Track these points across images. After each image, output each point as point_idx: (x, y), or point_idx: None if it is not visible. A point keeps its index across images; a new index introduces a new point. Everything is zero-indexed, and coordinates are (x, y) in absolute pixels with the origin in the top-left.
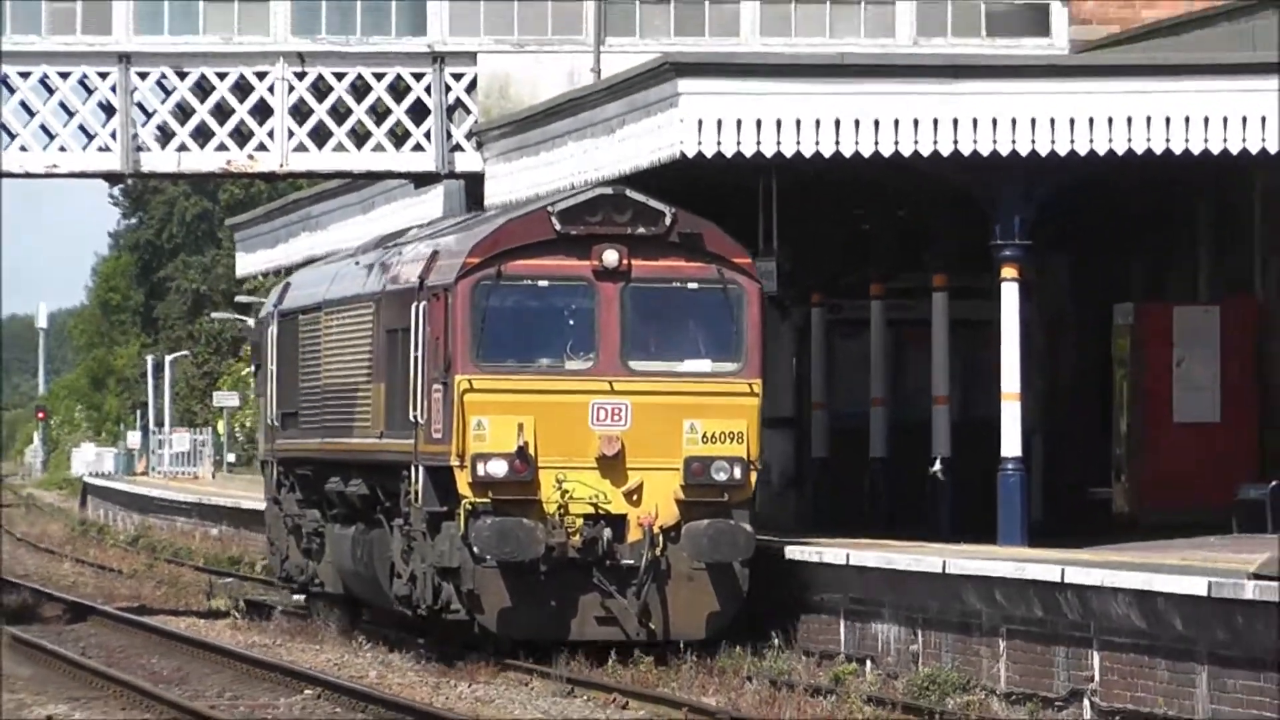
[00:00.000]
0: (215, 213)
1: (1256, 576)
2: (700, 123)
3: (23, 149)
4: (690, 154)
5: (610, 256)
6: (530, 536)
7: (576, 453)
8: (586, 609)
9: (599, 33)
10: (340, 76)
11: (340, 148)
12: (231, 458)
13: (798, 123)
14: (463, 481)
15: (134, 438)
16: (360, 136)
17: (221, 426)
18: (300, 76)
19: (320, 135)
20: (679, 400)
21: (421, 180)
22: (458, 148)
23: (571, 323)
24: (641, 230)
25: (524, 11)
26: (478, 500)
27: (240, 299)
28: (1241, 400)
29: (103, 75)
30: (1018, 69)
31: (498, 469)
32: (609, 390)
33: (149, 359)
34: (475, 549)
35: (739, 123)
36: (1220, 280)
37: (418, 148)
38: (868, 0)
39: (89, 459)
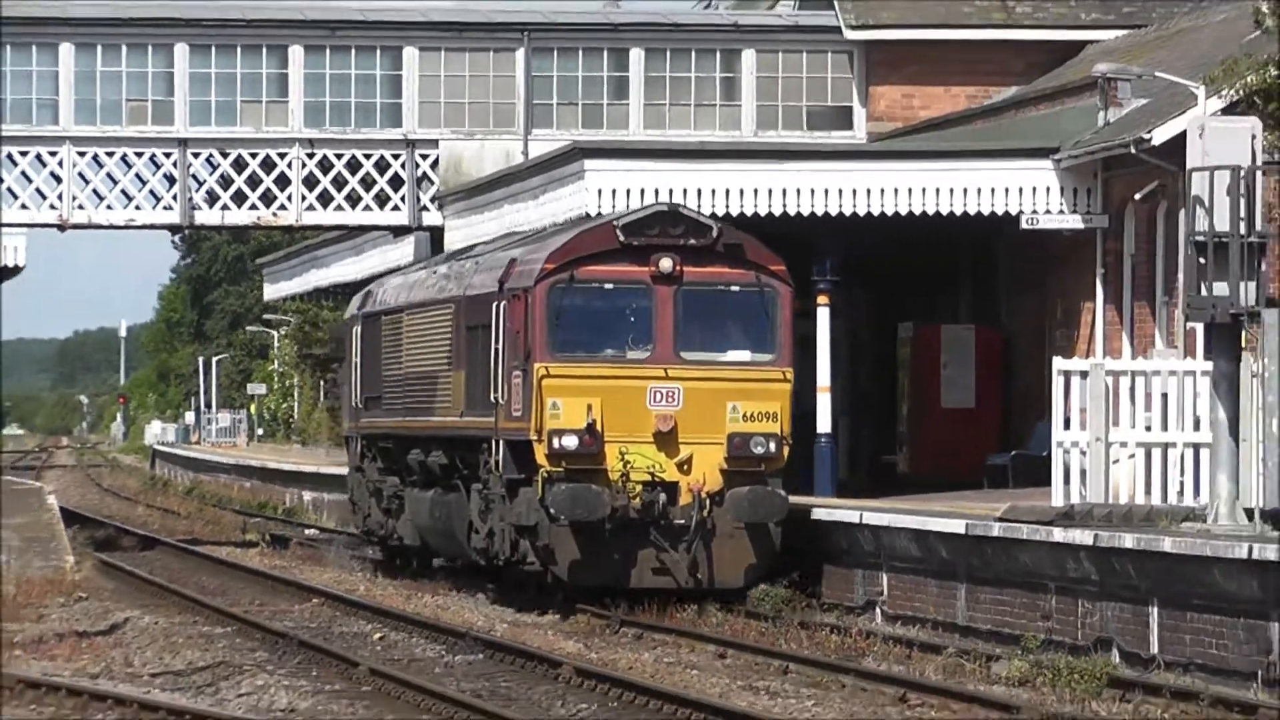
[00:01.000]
0: (247, 254)
1: (1000, 519)
2: (600, 190)
3: (109, 208)
4: (592, 213)
5: (666, 263)
6: (598, 500)
7: (636, 429)
8: (644, 562)
9: (527, 125)
10: (339, 156)
11: (339, 207)
12: (260, 431)
13: (670, 191)
14: (540, 453)
15: (189, 417)
16: (354, 200)
17: (253, 408)
18: (310, 156)
19: (324, 198)
20: (723, 385)
21: (398, 232)
22: (424, 208)
23: (632, 319)
24: (692, 241)
25: (472, 109)
26: (553, 469)
27: (267, 317)
28: (988, 394)
29: (167, 155)
30: (829, 153)
31: (570, 443)
32: (664, 377)
33: (200, 360)
34: (551, 510)
35: (628, 191)
36: (975, 308)
37: (395, 208)
38: (721, 103)
39: (156, 432)
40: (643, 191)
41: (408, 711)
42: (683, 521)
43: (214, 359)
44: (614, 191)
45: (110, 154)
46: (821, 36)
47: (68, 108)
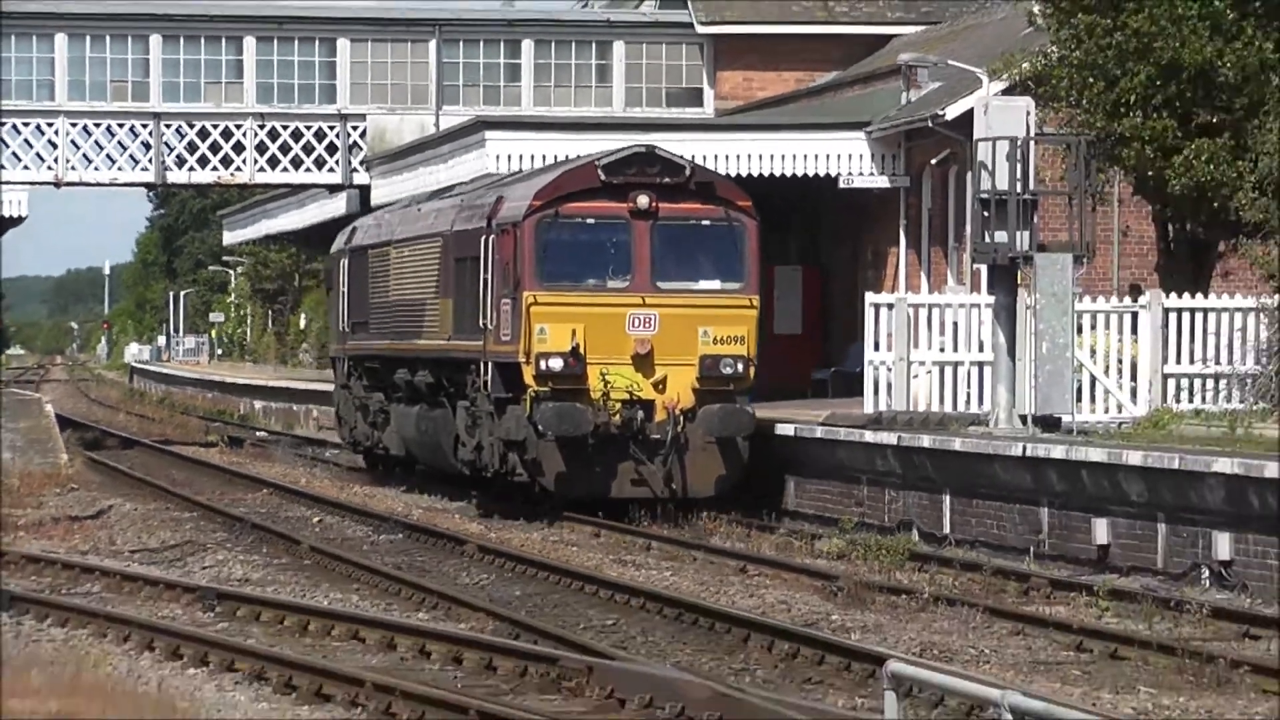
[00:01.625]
0: (209, 207)
1: (822, 424)
2: (498, 156)
3: (96, 169)
4: (492, 173)
5: (643, 200)
6: (582, 417)
7: (616, 352)
8: (624, 474)
9: (438, 103)
10: (285, 127)
11: (285, 169)
12: (219, 352)
13: (555, 157)
14: (528, 374)
15: (161, 340)
16: (297, 163)
17: (213, 333)
18: (261, 127)
19: (273, 162)
20: (695, 312)
21: (333, 189)
22: (354, 170)
23: (612, 252)
24: (667, 179)
25: (394, 89)
26: (540, 389)
27: (225, 259)
28: (813, 322)
29: (144, 126)
30: (683, 126)
31: (556, 364)
32: (641, 304)
33: (170, 293)
34: (539, 426)
35: (520, 156)
36: (802, 252)
37: (330, 170)
38: (596, 85)
39: (134, 352)
40: (532, 157)
41: (341, 581)
42: (659, 436)
43: (181, 293)
44: (509, 157)
45: (97, 125)
46: (678, 31)
47: (62, 87)
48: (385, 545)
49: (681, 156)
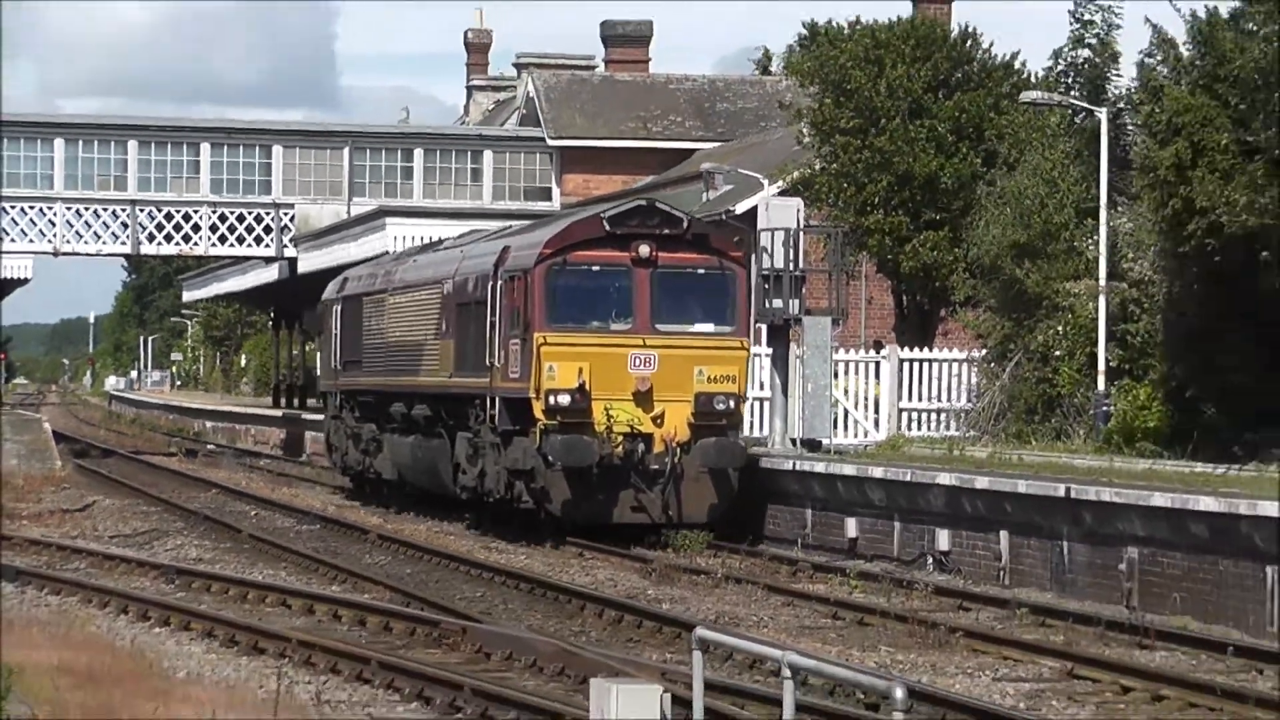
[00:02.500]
0: (172, 271)
1: None
2: (395, 237)
3: (85, 242)
4: (391, 251)
5: (644, 249)
6: (589, 448)
7: (618, 389)
8: (624, 501)
9: (350, 195)
10: (232, 212)
11: (231, 245)
12: (179, 383)
13: (436, 237)
14: (537, 409)
15: (134, 373)
16: (240, 240)
17: (174, 369)
18: (214, 211)
19: (222, 239)
20: (691, 352)
21: (268, 260)
22: (285, 246)
23: (615, 296)
24: (666, 230)
25: (316, 184)
26: (549, 422)
27: (184, 312)
28: None
29: (123, 209)
30: (535, 215)
31: (564, 400)
32: (642, 345)
33: (141, 338)
34: (549, 457)
35: (412, 237)
36: None
37: (267, 245)
38: (470, 184)
39: (113, 383)
40: (421, 237)
41: (273, 561)
42: (657, 467)
43: (149, 337)
44: (404, 237)
45: (86, 208)
46: (533, 143)
47: (59, 179)
48: (307, 533)
49: (680, 209)
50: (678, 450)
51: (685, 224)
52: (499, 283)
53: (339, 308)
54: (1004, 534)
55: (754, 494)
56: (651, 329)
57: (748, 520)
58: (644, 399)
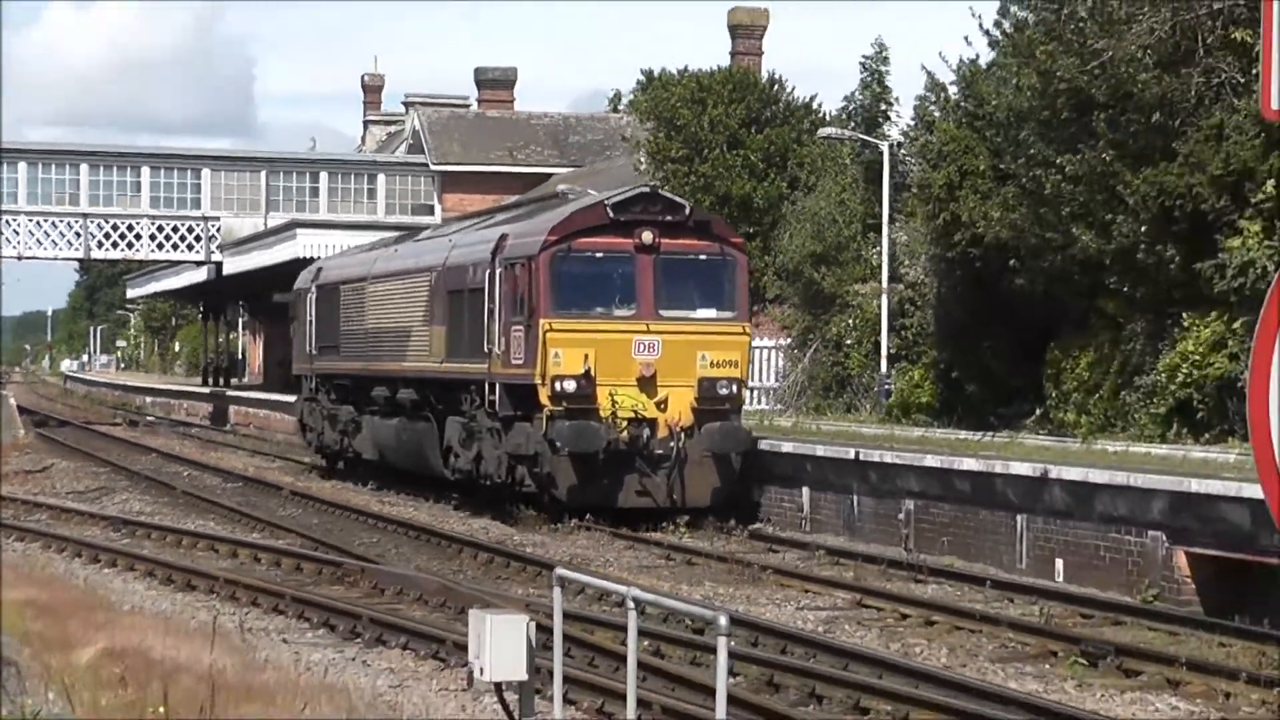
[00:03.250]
0: (118, 273)
1: None
2: (305, 244)
3: (45, 248)
4: (301, 258)
5: (647, 236)
6: (596, 434)
7: (623, 375)
8: (629, 485)
9: (266, 210)
10: (169, 223)
11: (167, 251)
12: (123, 365)
13: (340, 246)
14: (543, 394)
15: (85, 357)
16: (175, 246)
17: (119, 354)
18: (153, 223)
19: (160, 246)
20: (694, 338)
21: (199, 264)
22: (213, 252)
23: (619, 283)
24: (668, 217)
25: (239, 201)
26: (554, 408)
27: (128, 306)
28: None
29: (76, 220)
30: (420, 228)
31: (570, 386)
32: (646, 330)
33: (90, 328)
34: (556, 443)
35: (322, 245)
36: None
37: (197, 252)
38: (367, 201)
39: (67, 365)
40: (329, 246)
41: (203, 513)
42: (662, 452)
43: (98, 327)
44: (314, 245)
45: (46, 219)
46: (418, 168)
47: (23, 196)
48: (231, 490)
49: (681, 197)
50: (682, 435)
51: (687, 211)
52: (498, 270)
53: (313, 295)
54: (805, 489)
55: None
56: (655, 315)
57: None
58: (648, 384)
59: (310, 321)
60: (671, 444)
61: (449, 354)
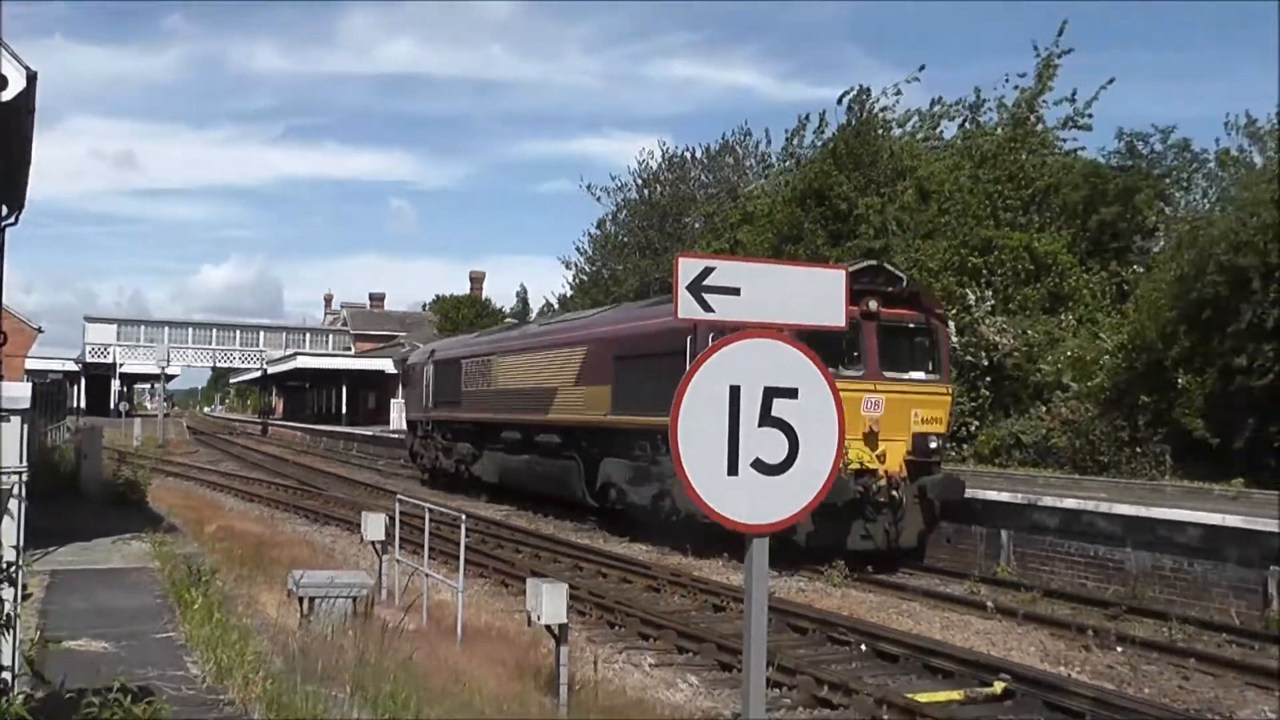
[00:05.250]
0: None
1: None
2: (300, 361)
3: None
4: (300, 368)
5: (873, 304)
6: (845, 486)
7: (852, 430)
8: (855, 530)
9: (286, 346)
10: (250, 353)
11: (248, 363)
12: (230, 409)
13: (315, 364)
14: None
15: (213, 406)
16: (252, 361)
17: (226, 405)
18: (241, 353)
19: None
20: (909, 397)
21: (258, 370)
22: (264, 366)
23: (846, 346)
24: (890, 289)
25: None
26: None
27: (230, 386)
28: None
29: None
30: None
31: None
32: (873, 389)
33: (215, 394)
34: None
35: (305, 362)
36: None
37: (258, 364)
38: (327, 344)
39: (207, 410)
40: (310, 364)
41: (254, 468)
42: (884, 499)
43: (219, 394)
44: (304, 362)
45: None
46: (344, 332)
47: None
48: (269, 461)
49: (899, 269)
50: (900, 484)
51: (904, 282)
52: (710, 335)
53: (430, 368)
54: (1003, 531)
55: None
56: (880, 375)
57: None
58: (871, 439)
59: (427, 384)
60: (894, 493)
61: (616, 408)
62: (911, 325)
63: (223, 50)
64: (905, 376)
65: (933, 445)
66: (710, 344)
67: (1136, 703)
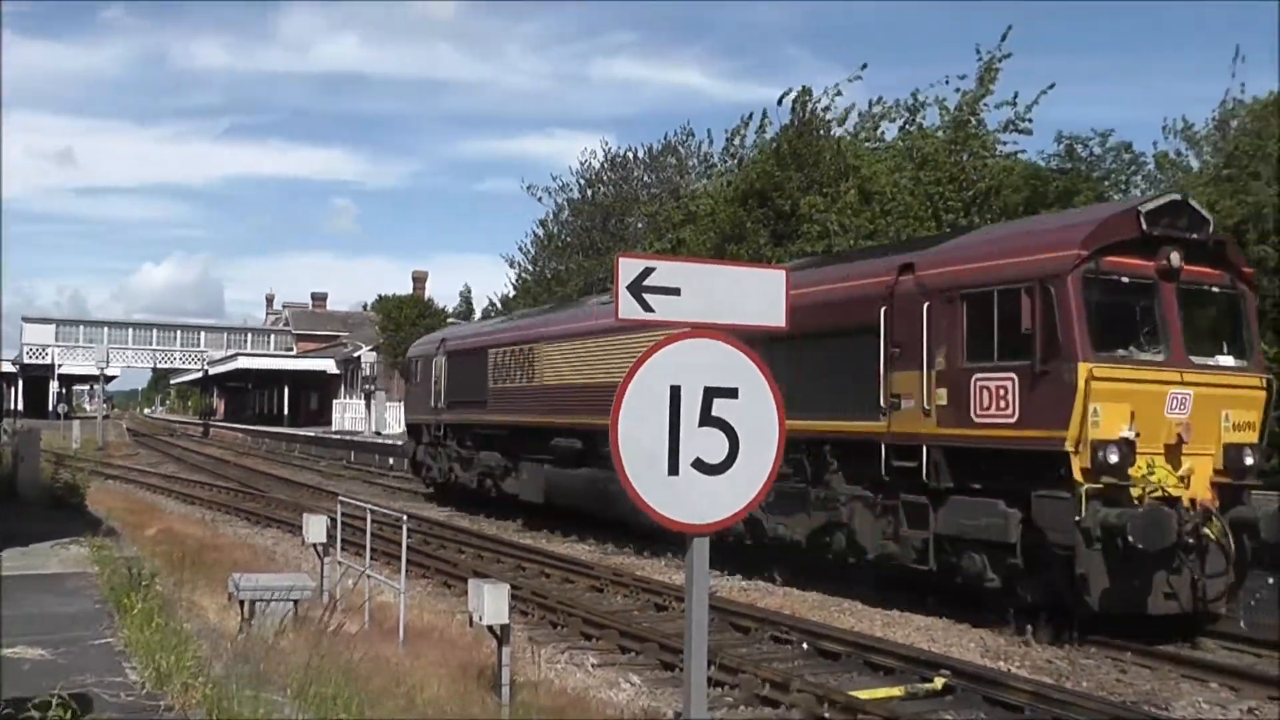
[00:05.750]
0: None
1: None
2: (242, 361)
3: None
4: (242, 368)
5: (1175, 257)
6: (1168, 524)
7: (1153, 438)
8: (1158, 585)
9: (228, 347)
10: (191, 353)
11: (189, 363)
12: (170, 410)
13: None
14: (1078, 465)
15: (153, 408)
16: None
17: (167, 406)
18: (181, 353)
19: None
20: (1219, 392)
21: (200, 371)
22: (206, 366)
23: (1139, 318)
24: (1194, 235)
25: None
26: (1092, 485)
27: (170, 387)
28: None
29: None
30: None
31: (1113, 456)
32: (1180, 382)
33: (155, 395)
34: (1131, 537)
35: (246, 362)
36: None
37: (200, 364)
38: (268, 343)
39: (147, 411)
40: (251, 363)
41: (196, 470)
42: (1194, 541)
43: (158, 395)
44: (246, 362)
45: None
46: (286, 332)
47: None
48: (209, 463)
49: (1202, 208)
50: (1211, 516)
51: (1210, 228)
52: (925, 304)
53: (442, 360)
54: None
55: None
56: (1187, 361)
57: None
58: (1172, 452)
59: (437, 380)
60: (1204, 529)
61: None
62: (1216, 289)
63: (165, 46)
64: (1213, 363)
65: (1248, 462)
66: (922, 311)
67: (1075, 696)
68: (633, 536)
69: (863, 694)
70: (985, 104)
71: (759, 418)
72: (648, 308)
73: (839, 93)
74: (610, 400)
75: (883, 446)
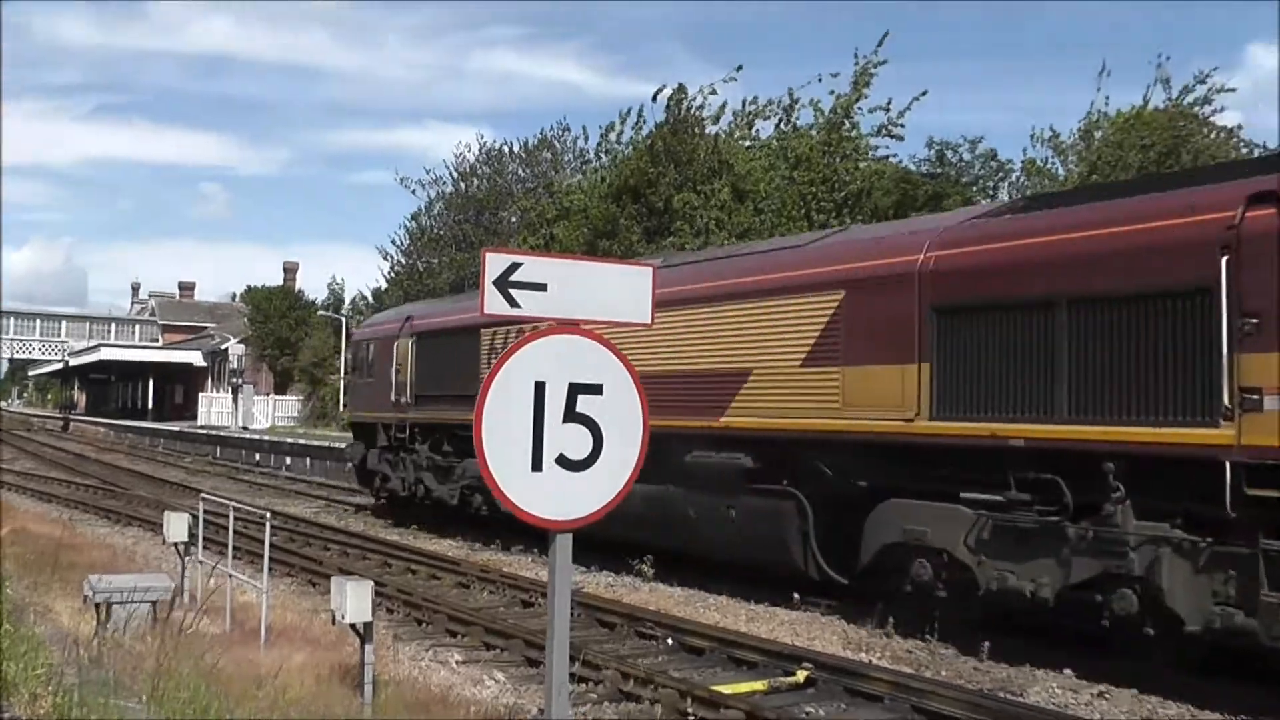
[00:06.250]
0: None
1: None
2: (105, 353)
3: None
4: (104, 360)
5: None
6: None
7: None
8: None
9: (89, 338)
10: (54, 344)
11: (51, 354)
12: (29, 403)
13: (118, 354)
14: None
15: (10, 400)
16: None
17: (25, 399)
18: (41, 343)
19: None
20: None
21: (59, 363)
22: (67, 357)
23: None
24: None
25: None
26: None
27: (28, 379)
28: None
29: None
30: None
31: None
32: None
33: (11, 387)
34: None
35: (109, 354)
36: None
37: (60, 355)
38: (132, 334)
39: (4, 404)
40: (115, 355)
41: (54, 467)
42: None
43: (15, 387)
44: (108, 354)
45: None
46: (152, 323)
47: None
48: (66, 458)
49: None
50: None
51: None
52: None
53: (409, 344)
54: None
55: None
56: None
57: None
58: None
59: (402, 369)
60: None
61: (940, 405)
62: None
63: (27, 19)
64: None
65: None
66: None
67: (933, 684)
68: (501, 531)
69: (726, 688)
70: (859, 108)
71: (623, 414)
72: (514, 303)
73: (713, 91)
74: (704, 397)
75: (1227, 466)
